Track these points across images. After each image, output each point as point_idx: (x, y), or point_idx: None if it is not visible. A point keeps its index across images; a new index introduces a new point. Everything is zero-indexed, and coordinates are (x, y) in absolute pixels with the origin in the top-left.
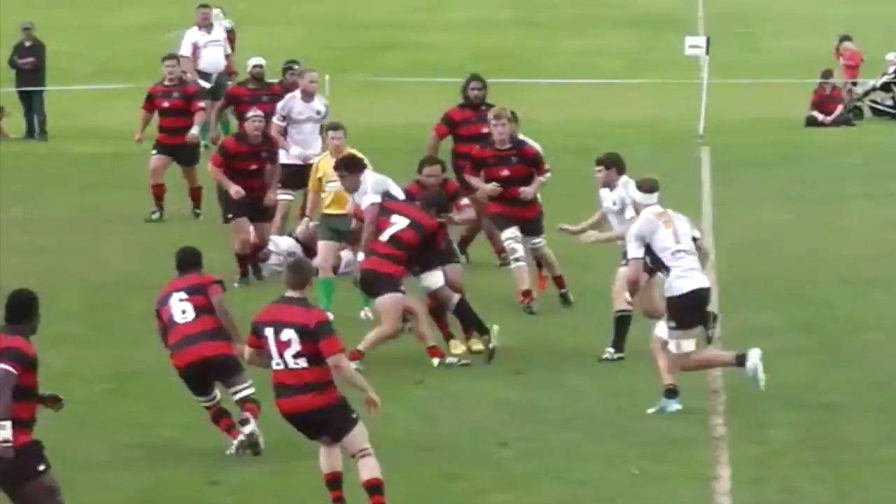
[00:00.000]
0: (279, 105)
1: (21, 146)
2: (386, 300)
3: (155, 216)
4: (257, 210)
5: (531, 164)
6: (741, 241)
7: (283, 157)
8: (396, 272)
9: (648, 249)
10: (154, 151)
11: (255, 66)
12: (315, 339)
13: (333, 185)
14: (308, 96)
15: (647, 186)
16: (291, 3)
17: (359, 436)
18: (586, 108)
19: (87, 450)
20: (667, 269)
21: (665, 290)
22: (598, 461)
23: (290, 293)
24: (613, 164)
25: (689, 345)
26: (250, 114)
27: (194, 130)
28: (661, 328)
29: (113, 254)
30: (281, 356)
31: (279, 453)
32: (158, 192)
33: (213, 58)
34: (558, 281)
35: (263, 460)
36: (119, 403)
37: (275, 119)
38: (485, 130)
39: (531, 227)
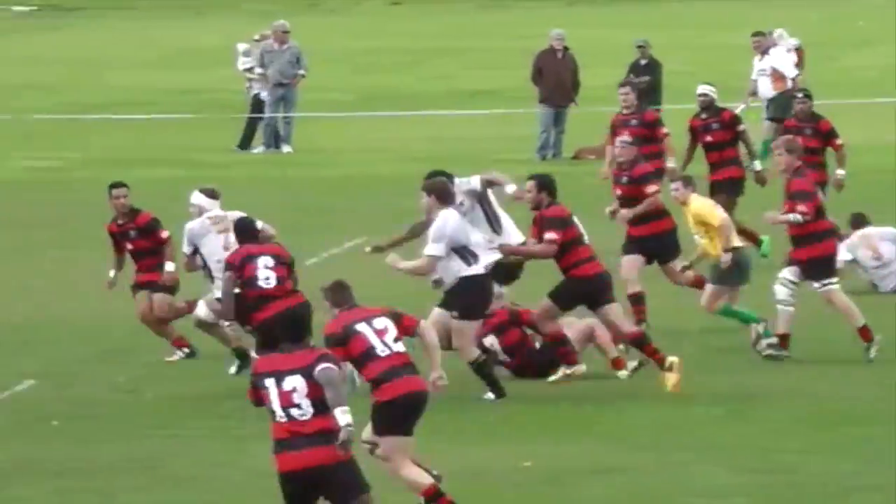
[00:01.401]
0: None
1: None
2: None
3: None
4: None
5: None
6: None
7: None
8: None
9: (197, 252)
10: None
11: (699, 95)
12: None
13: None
14: None
15: (209, 193)
16: None
17: None
18: None
19: (704, 473)
20: (212, 278)
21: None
22: None
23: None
24: (433, 192)
25: None
26: (617, 140)
27: (670, 164)
28: None
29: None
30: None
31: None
32: None
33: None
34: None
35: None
36: (737, 427)
37: None
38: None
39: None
